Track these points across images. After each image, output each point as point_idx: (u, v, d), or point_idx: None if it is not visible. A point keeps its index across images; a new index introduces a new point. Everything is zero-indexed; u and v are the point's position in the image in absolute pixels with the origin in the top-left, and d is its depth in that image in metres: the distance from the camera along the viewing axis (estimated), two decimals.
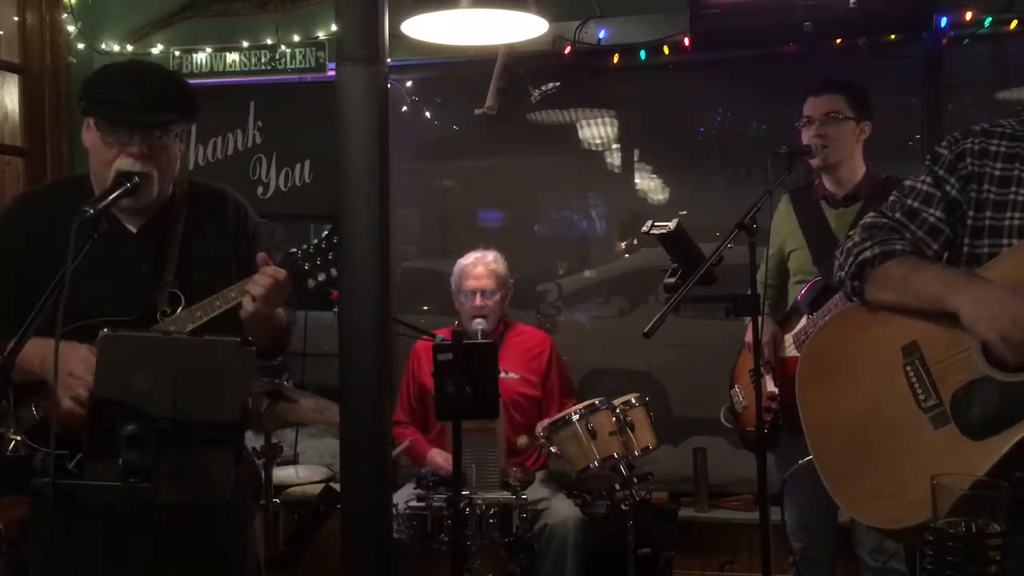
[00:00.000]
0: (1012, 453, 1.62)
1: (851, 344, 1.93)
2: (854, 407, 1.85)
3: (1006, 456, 1.62)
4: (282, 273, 2.13)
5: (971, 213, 1.85)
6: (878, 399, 1.82)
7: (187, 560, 2.19)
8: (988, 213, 1.82)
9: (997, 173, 1.83)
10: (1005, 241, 1.79)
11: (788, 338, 3.29)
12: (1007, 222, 1.80)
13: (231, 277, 2.18)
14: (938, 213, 1.88)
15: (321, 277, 2.21)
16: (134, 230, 2.25)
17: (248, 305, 2.11)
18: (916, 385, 1.77)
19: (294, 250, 2.21)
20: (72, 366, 1.99)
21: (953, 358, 1.74)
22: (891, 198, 1.96)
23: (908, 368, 1.79)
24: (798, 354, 3.15)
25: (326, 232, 2.21)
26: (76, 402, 2.01)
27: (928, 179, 1.90)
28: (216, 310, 2.14)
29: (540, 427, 3.71)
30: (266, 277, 2.11)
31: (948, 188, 1.87)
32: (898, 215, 1.92)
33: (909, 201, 1.92)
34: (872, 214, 1.98)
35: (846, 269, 1.92)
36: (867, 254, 1.88)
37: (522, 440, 3.71)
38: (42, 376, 2.02)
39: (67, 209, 2.16)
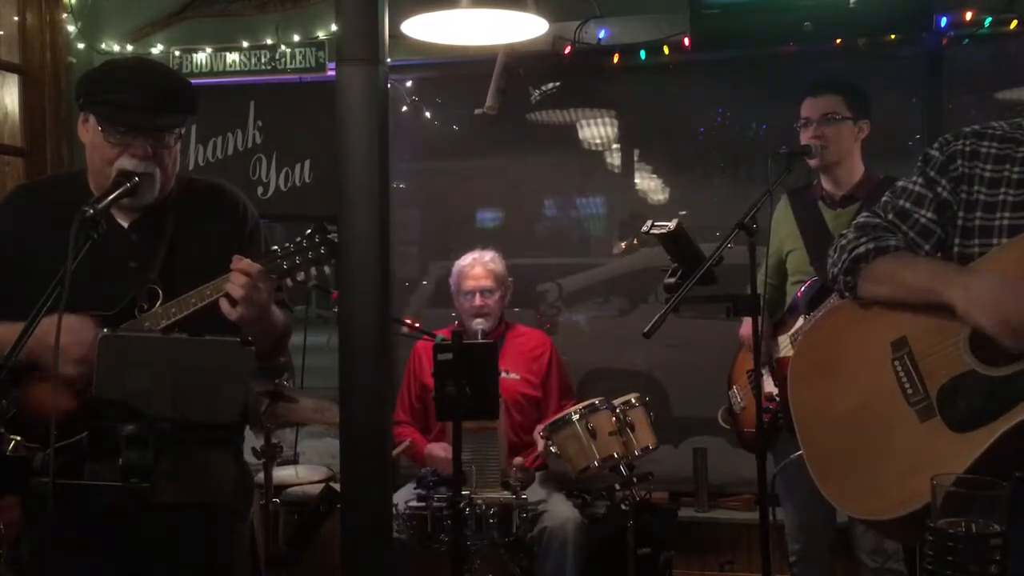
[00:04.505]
0: (996, 446, 1.65)
1: (842, 340, 1.95)
2: (844, 402, 1.88)
3: (990, 448, 1.65)
4: (255, 268, 2.08)
5: (961, 214, 1.87)
6: (867, 394, 1.85)
7: (173, 560, 2.18)
8: (978, 214, 1.84)
9: (987, 174, 1.85)
10: (995, 241, 1.81)
11: (784, 339, 3.29)
12: (997, 222, 1.82)
13: (220, 274, 2.13)
14: (929, 214, 1.90)
15: (300, 276, 2.16)
16: (125, 225, 2.24)
17: (227, 309, 2.08)
18: (904, 379, 1.80)
19: (275, 248, 2.18)
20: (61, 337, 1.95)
21: (940, 353, 1.77)
22: (883, 199, 1.99)
23: (896, 363, 1.82)
24: None
25: (309, 231, 2.17)
26: (75, 364, 2.02)
27: (920, 180, 1.93)
28: (192, 307, 2.12)
29: (538, 431, 3.71)
30: (240, 275, 2.07)
31: (939, 189, 1.89)
32: (890, 216, 1.95)
33: (901, 202, 1.94)
34: (865, 214, 2.01)
35: (839, 266, 1.94)
36: (861, 250, 1.91)
37: (517, 461, 3.71)
38: (24, 356, 2.00)
39: (61, 203, 2.16)
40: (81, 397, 2.05)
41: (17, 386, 2.08)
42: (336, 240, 2.08)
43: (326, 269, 2.16)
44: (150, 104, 2.12)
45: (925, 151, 1.95)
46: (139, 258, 2.21)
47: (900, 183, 1.97)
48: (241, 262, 2.09)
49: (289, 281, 2.17)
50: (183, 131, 2.24)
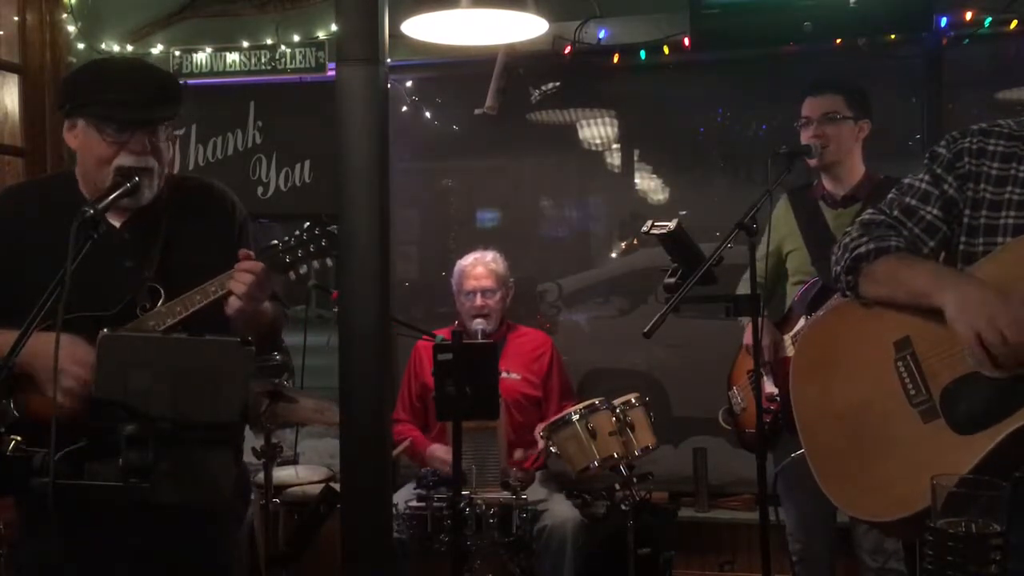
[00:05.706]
0: (999, 448, 1.64)
1: (845, 338, 1.95)
2: (846, 401, 1.87)
3: (993, 451, 1.64)
4: (259, 266, 2.09)
5: (967, 212, 1.86)
6: (870, 393, 1.84)
7: (172, 560, 2.18)
8: (984, 212, 1.84)
9: (994, 172, 1.85)
10: (1000, 239, 1.80)
11: (787, 339, 3.29)
12: (1002, 220, 1.81)
13: (216, 272, 2.14)
14: (935, 211, 1.90)
15: (302, 270, 2.16)
16: (117, 225, 2.24)
17: (232, 303, 2.09)
18: (907, 380, 1.79)
19: (275, 242, 2.18)
20: (61, 362, 1.93)
21: (944, 354, 1.75)
22: (889, 195, 1.98)
23: (899, 363, 1.81)
24: None
25: (307, 224, 2.17)
26: (69, 395, 1.99)
27: (926, 177, 1.92)
28: (196, 304, 2.12)
29: (538, 430, 3.71)
30: (245, 273, 2.08)
31: (945, 187, 1.89)
32: (896, 212, 1.94)
33: (907, 199, 1.93)
34: (870, 211, 2.00)
35: (842, 264, 1.94)
36: (862, 249, 1.90)
37: (518, 454, 3.71)
38: (23, 369, 1.99)
39: (53, 205, 2.16)
40: (80, 402, 2.04)
41: (16, 390, 2.07)
42: (335, 232, 2.08)
43: (328, 261, 2.16)
44: (145, 98, 2.12)
45: (932, 148, 1.95)
46: (135, 257, 2.21)
47: (906, 180, 1.96)
48: (247, 261, 2.10)
49: (292, 275, 2.18)
50: (176, 128, 2.24)
